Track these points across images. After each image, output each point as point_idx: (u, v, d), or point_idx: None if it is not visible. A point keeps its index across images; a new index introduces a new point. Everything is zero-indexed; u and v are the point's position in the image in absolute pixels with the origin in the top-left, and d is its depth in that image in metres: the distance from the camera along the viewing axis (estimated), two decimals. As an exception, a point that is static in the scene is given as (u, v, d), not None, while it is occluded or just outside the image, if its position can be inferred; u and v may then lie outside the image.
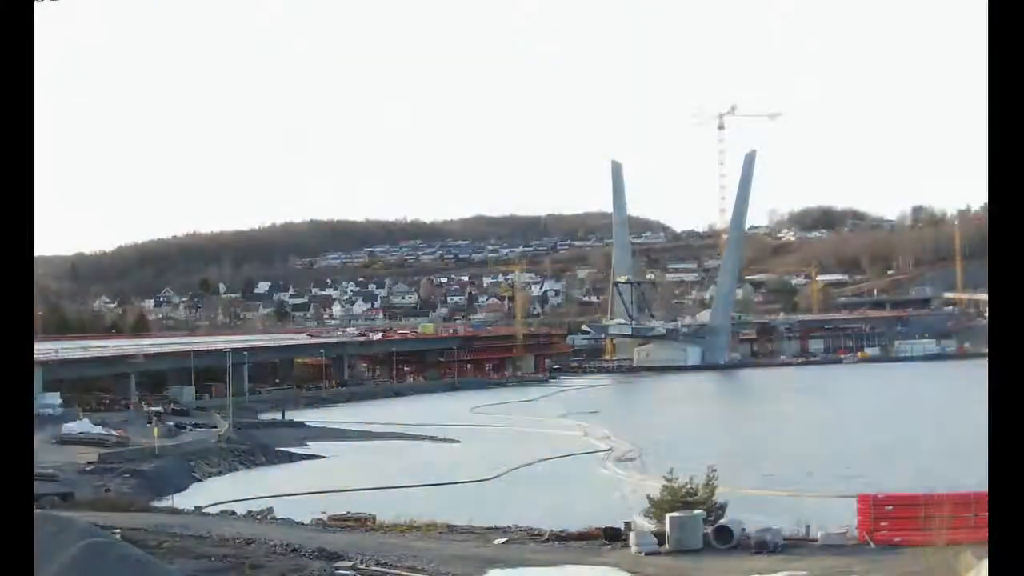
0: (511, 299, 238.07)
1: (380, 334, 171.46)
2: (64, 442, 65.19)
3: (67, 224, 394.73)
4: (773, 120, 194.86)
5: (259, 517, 39.38)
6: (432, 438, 79.20)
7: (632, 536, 27.94)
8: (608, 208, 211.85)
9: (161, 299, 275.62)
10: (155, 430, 70.79)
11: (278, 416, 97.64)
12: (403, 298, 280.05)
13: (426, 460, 66.07)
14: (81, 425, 72.94)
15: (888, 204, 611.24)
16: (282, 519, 38.64)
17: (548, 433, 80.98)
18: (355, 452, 71.90)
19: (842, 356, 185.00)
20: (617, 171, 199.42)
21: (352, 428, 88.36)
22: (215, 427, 78.65)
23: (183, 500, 49.57)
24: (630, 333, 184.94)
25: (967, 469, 39.05)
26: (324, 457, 68.75)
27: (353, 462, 66.43)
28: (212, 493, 53.11)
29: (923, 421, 79.29)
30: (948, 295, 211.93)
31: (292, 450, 71.07)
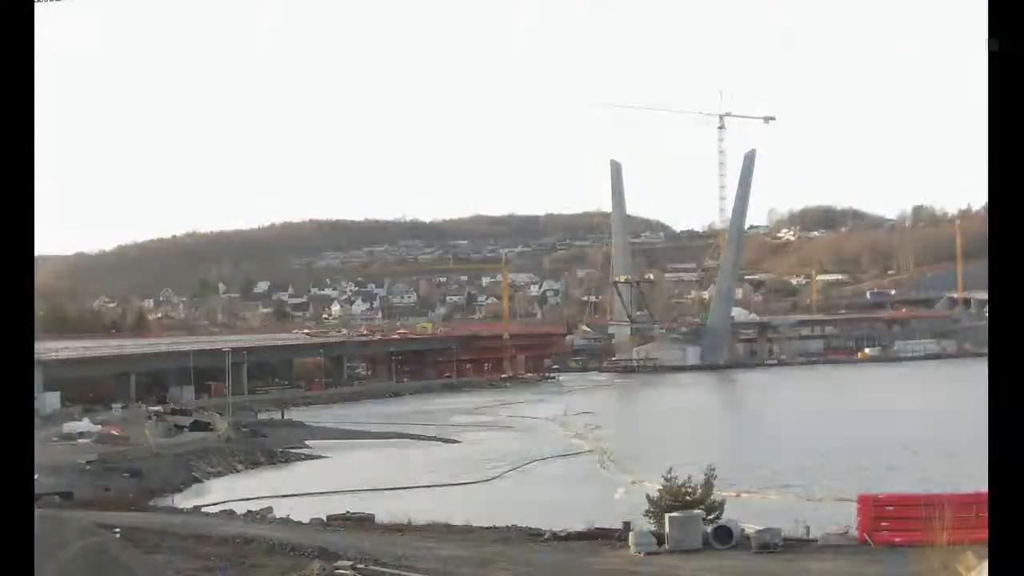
0: (509, 299, 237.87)
1: (379, 334, 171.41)
2: (64, 441, 65.18)
3: (67, 224, 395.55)
4: (768, 124, 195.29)
5: (258, 517, 39.39)
6: (432, 438, 79.13)
7: (632, 536, 27.93)
8: (607, 208, 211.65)
9: (161, 299, 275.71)
10: (155, 429, 70.84)
11: (278, 416, 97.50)
12: (402, 298, 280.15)
13: (426, 460, 66.05)
14: (81, 425, 73.03)
15: (888, 204, 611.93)
16: (281, 519, 38.66)
17: (546, 433, 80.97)
18: (355, 452, 71.86)
19: (842, 356, 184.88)
20: (616, 171, 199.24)
21: (351, 428, 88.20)
22: (215, 427, 78.61)
23: (183, 500, 49.63)
24: (629, 333, 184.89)
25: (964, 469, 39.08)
26: (324, 457, 68.70)
27: (352, 462, 66.42)
28: (212, 493, 53.13)
29: (919, 420, 79.26)
30: (949, 295, 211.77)
31: (292, 450, 71.01)
